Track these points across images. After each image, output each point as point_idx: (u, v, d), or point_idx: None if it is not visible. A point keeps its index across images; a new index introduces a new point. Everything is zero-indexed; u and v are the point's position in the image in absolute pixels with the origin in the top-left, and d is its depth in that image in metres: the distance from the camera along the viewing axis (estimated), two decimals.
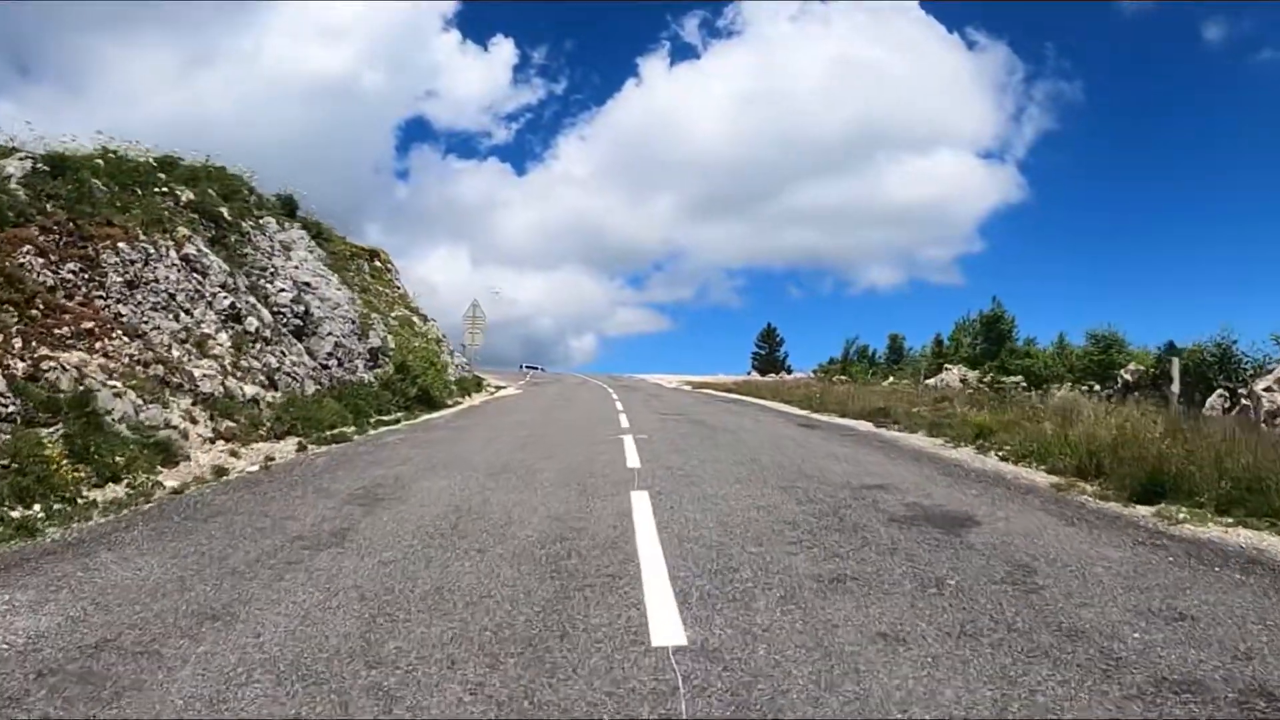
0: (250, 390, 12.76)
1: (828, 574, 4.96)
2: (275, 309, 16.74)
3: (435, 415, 18.19)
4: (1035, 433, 12.81)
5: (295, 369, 15.21)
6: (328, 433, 12.87)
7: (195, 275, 14.49)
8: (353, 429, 13.97)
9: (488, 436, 13.24)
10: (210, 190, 18.92)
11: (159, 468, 9.19)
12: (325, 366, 16.97)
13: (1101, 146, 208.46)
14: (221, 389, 12.10)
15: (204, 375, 12.01)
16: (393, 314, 28.57)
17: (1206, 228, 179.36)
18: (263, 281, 17.08)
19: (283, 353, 15.27)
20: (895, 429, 15.77)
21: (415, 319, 30.96)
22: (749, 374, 74.07)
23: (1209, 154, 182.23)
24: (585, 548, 5.53)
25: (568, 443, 12.25)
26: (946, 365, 32.45)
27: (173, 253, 14.33)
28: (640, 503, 7.14)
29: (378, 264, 33.70)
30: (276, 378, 14.36)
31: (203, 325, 13.69)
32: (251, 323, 14.78)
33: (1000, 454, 12.28)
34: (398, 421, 16.02)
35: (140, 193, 16.16)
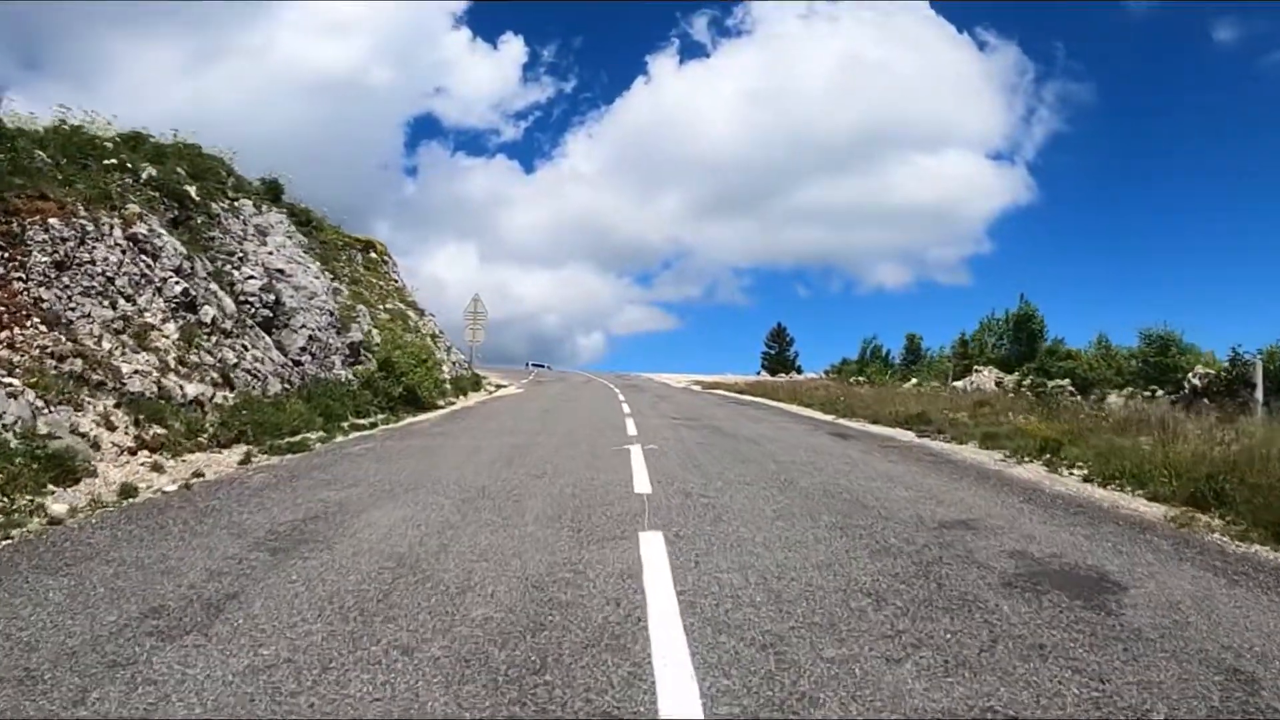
0: (193, 390, 10.88)
1: (964, 709, 3.04)
2: (241, 298, 14.89)
3: (420, 418, 16.29)
4: (1115, 448, 10.92)
5: (258, 365, 13.35)
6: (285, 440, 10.99)
7: (144, 258, 12.64)
8: (318, 435, 12.09)
9: (472, 446, 11.34)
10: (179, 169, 17.14)
11: (50, 486, 7.32)
12: (297, 363, 15.10)
13: (1111, 148, 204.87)
14: (155, 388, 10.23)
15: (135, 372, 10.14)
16: (385, 307, 26.77)
17: (1218, 230, 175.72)
18: (229, 267, 15.22)
19: (244, 346, 13.40)
20: (941, 439, 13.82)
21: (410, 313, 29.15)
22: (759, 374, 72.27)
23: (1219, 155, 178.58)
24: (571, 647, 3.59)
25: (565, 456, 10.34)
26: (976, 367, 30.40)
27: (117, 231, 12.48)
28: (653, 553, 5.22)
29: (373, 255, 31.92)
30: (233, 375, 12.49)
31: (147, 314, 11.83)
32: (208, 312, 12.92)
33: (1079, 473, 10.40)
34: (375, 426, 14.13)
35: (92, 167, 14.39)
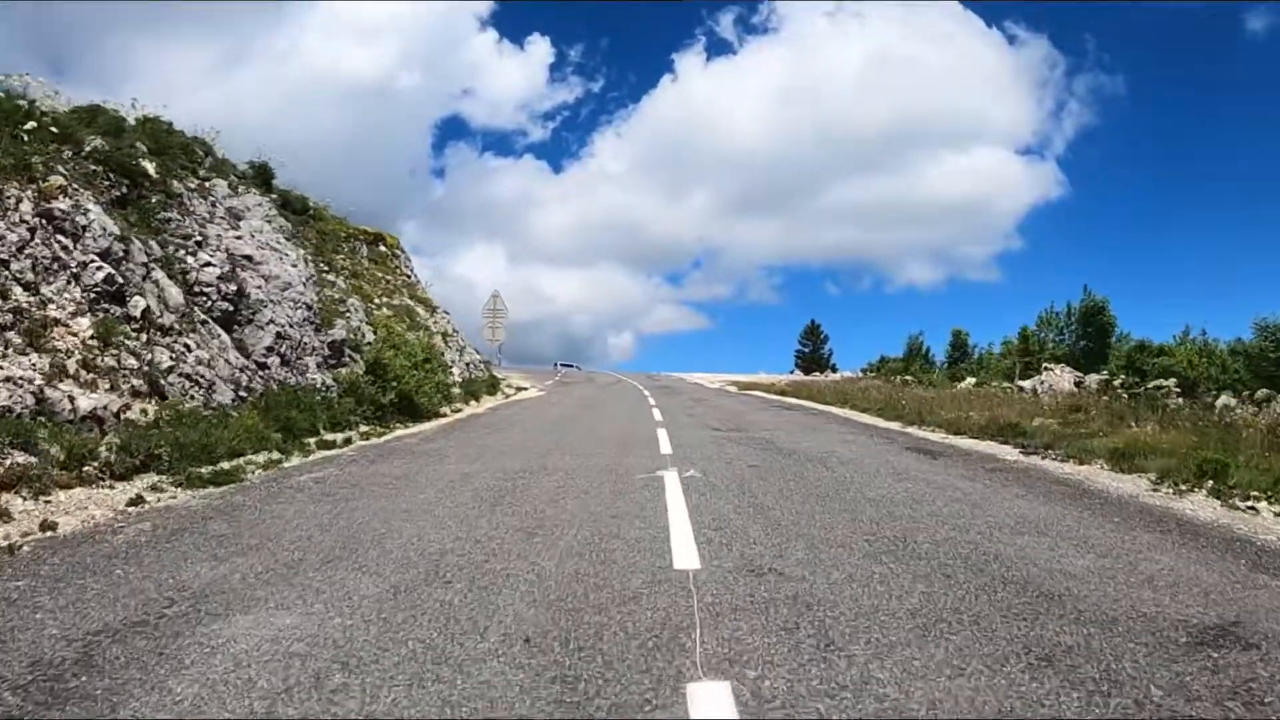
0: (89, 402, 8.35)
1: None
2: (196, 288, 12.40)
3: (412, 430, 13.70)
4: None
5: (203, 369, 10.82)
6: (214, 467, 8.45)
7: (59, 238, 10.21)
8: (267, 457, 9.54)
9: (458, 474, 8.69)
10: (139, 143, 14.78)
11: None
12: (262, 365, 12.57)
13: (1143, 142, 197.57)
14: (32, 400, 7.71)
15: (5, 380, 7.63)
16: (391, 302, 24.33)
17: (1251, 223, 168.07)
18: (182, 253, 12.74)
19: (187, 346, 10.89)
20: (1053, 458, 10.97)
21: (420, 309, 26.69)
22: (792, 373, 69.67)
23: (1253, 148, 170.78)
24: None
25: (575, 491, 7.66)
26: (1046, 364, 27.30)
27: (26, 206, 10.07)
28: None
29: (382, 249, 29.57)
30: (165, 382, 9.97)
31: (52, 305, 9.39)
32: (139, 304, 10.43)
33: (1272, 511, 7.67)
34: (349, 442, 11.54)
35: (24, 137, 12.03)
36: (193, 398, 10.21)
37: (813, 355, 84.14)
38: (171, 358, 10.36)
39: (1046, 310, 40.28)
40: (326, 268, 21.06)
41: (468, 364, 27.12)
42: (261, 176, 21.16)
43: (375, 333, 17.01)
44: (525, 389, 30.54)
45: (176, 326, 11.02)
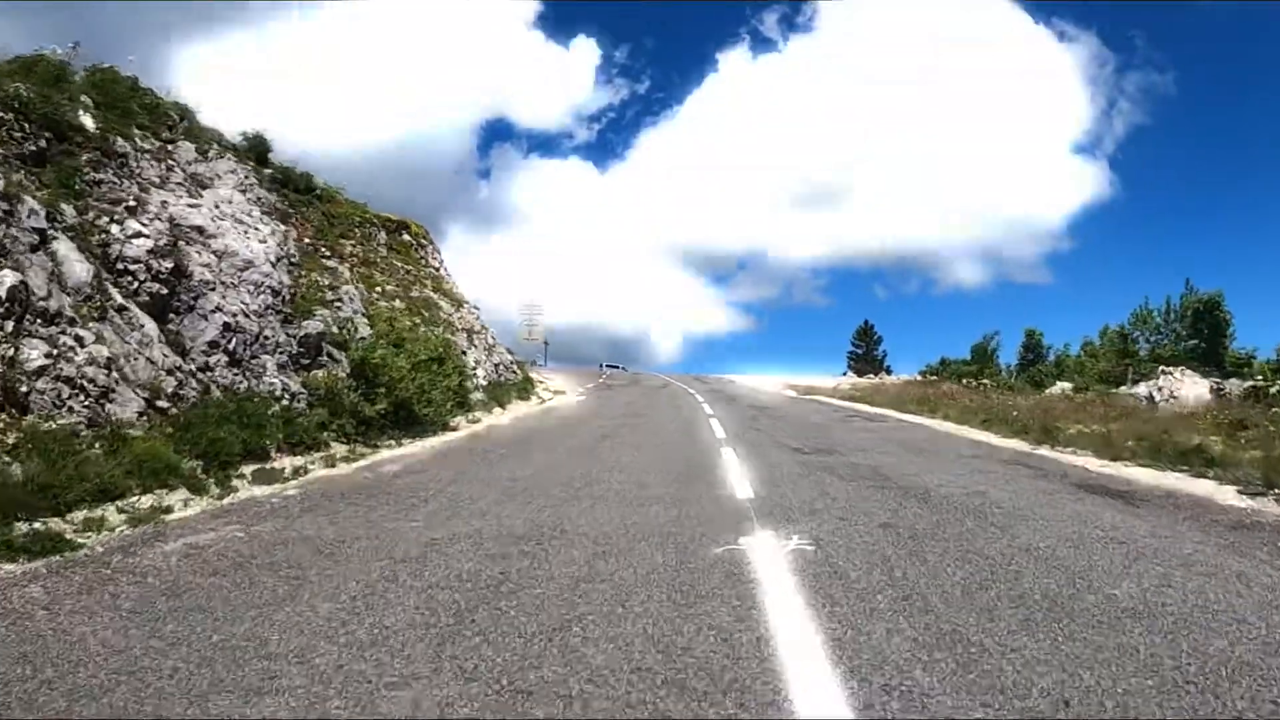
0: None
1: None
2: (119, 264, 9.50)
3: (402, 452, 10.58)
4: None
5: (96, 369, 7.82)
6: (56, 520, 5.45)
7: None
8: (156, 500, 6.51)
9: (420, 545, 5.53)
10: (85, 96, 12.03)
11: None
12: (204, 367, 9.60)
13: (1195, 141, 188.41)
14: None
15: None
16: (410, 294, 21.43)
17: None
18: (105, 220, 9.84)
19: (80, 339, 7.92)
20: None
21: (444, 303, 23.75)
22: (845, 374, 66.36)
23: None
24: None
25: (609, 590, 4.47)
26: (1164, 369, 23.51)
27: None
28: None
29: (406, 237, 26.71)
30: (33, 388, 7.01)
31: None
32: (5, 280, 7.48)
33: None
34: (300, 472, 8.45)
35: None
36: (71, 410, 7.22)
37: (866, 356, 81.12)
38: (48, 355, 7.39)
39: (1141, 307, 36.12)
40: (328, 252, 18.19)
41: (496, 365, 24.11)
42: (256, 149, 18.39)
43: (373, 326, 14.01)
44: (562, 393, 27.47)
45: (70, 312, 8.07)
